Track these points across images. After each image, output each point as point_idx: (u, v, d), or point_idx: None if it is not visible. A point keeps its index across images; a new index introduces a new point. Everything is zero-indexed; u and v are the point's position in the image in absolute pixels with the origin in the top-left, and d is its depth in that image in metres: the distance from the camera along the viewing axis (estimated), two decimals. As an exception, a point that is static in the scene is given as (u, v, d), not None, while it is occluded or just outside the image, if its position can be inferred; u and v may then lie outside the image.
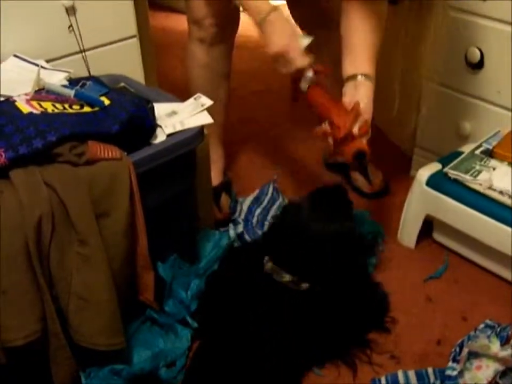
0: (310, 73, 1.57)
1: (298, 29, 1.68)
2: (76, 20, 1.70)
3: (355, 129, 1.50)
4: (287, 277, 1.53)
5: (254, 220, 1.88)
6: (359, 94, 1.55)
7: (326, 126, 1.53)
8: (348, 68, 1.58)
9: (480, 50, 1.82)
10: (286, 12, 1.93)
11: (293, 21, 1.67)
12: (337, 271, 1.53)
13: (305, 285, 1.52)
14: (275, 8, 1.53)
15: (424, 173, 1.75)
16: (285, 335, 1.48)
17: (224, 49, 1.89)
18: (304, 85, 1.58)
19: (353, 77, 1.56)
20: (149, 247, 1.42)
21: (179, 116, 1.54)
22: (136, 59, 1.86)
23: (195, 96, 1.60)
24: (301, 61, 1.55)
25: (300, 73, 1.57)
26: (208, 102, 1.58)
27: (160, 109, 1.55)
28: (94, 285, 1.32)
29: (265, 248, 1.60)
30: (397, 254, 1.84)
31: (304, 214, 1.57)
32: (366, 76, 1.56)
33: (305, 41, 1.56)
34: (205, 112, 1.56)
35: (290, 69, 1.55)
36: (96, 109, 1.44)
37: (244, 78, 2.81)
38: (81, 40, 1.72)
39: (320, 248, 1.52)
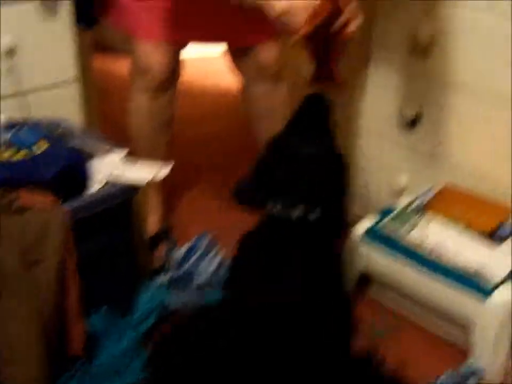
0: None
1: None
2: (16, 61, 1.68)
3: None
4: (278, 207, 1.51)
5: (186, 269, 1.87)
6: None
7: None
8: None
9: (416, 106, 1.87)
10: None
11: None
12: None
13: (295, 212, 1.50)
14: None
15: (359, 228, 1.78)
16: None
17: (169, 97, 1.89)
18: None
19: None
20: (81, 297, 1.39)
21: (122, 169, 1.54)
22: (77, 103, 1.84)
23: (161, 164, 1.60)
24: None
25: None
26: (164, 174, 1.58)
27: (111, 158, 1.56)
28: (22, 337, 1.28)
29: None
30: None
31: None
32: None
33: None
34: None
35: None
36: (32, 154, 1.42)
37: (187, 123, 2.82)
38: (20, 82, 1.70)
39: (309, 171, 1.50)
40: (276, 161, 1.54)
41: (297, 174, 1.51)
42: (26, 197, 1.32)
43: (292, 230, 1.51)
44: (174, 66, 1.83)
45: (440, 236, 1.68)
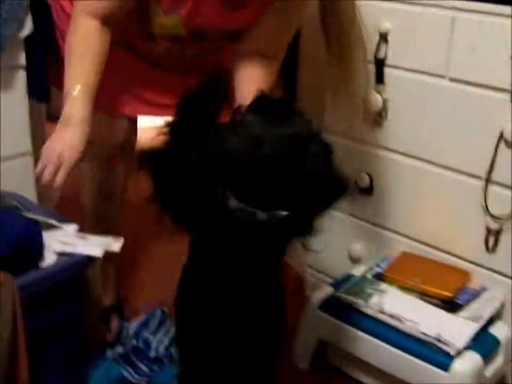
0: None
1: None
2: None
3: None
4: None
5: (140, 344, 1.83)
6: None
7: None
8: None
9: (369, 176, 1.90)
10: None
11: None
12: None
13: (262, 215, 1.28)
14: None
15: (316, 297, 1.77)
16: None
17: (120, 168, 1.87)
18: None
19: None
20: (30, 374, 1.34)
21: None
22: (29, 176, 1.80)
23: (115, 238, 1.56)
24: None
25: None
26: (116, 248, 1.54)
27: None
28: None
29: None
30: (292, 376, 1.80)
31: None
32: None
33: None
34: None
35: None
36: (-18, 228, 1.39)
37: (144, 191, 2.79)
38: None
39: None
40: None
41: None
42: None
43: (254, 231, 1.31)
44: (126, 138, 1.82)
45: (398, 304, 1.68)
